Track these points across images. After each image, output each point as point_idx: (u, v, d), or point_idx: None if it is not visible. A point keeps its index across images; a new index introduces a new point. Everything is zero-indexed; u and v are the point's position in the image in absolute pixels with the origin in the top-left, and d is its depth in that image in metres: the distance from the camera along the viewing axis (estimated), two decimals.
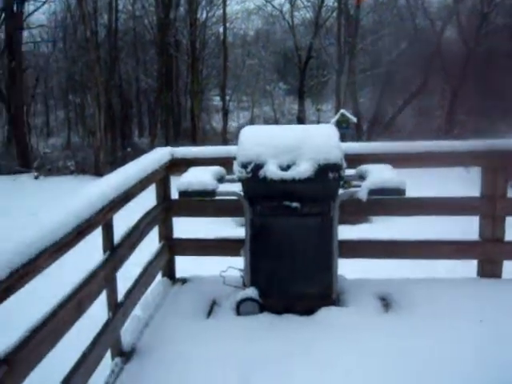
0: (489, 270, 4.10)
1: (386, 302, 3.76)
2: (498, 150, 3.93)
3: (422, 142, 4.01)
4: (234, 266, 3.87)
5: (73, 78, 24.55)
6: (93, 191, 2.83)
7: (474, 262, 4.17)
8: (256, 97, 26.68)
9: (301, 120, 22.45)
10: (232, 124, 24.93)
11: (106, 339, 2.94)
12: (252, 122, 25.28)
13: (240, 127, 24.28)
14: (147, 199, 4.01)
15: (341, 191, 3.52)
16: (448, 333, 3.27)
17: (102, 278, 2.86)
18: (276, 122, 25.04)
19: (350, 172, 3.64)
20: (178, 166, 4.09)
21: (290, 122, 24.61)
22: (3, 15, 20.36)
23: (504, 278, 4.11)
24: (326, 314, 3.50)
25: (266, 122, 25.41)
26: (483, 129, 18.09)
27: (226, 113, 22.57)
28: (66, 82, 25.89)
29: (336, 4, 21.58)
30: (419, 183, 6.16)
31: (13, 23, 19.48)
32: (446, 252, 4.15)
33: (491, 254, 4.11)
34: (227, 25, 23.04)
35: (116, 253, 3.08)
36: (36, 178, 16.68)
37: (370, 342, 3.17)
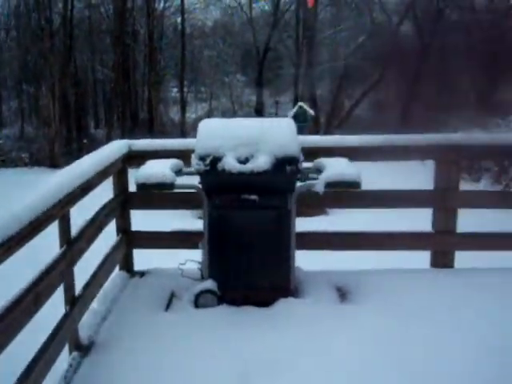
0: (441, 260, 4.23)
1: (342, 293, 3.83)
2: (451, 143, 4.04)
3: (378, 135, 4.09)
4: (193, 258, 3.87)
5: (26, 67, 23.99)
6: (49, 184, 2.79)
7: (428, 253, 4.29)
8: (214, 88, 26.59)
9: (259, 112, 22.49)
10: (190, 116, 24.81)
11: (64, 333, 2.92)
12: (210, 113, 25.18)
13: (198, 119, 24.20)
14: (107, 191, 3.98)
15: (299, 184, 3.57)
16: (399, 322, 3.35)
17: (58, 272, 2.83)
18: (234, 113, 25.02)
19: (307, 165, 3.70)
20: (135, 158, 4.07)
21: (248, 114, 24.60)
22: None
23: (456, 267, 4.23)
24: (283, 305, 3.54)
25: (224, 113, 25.35)
26: (438, 123, 18.51)
27: (183, 104, 22.45)
28: (19, 72, 25.27)
29: None
30: (378, 175, 6.29)
31: None
32: (400, 243, 4.24)
33: (444, 245, 4.24)
34: (185, 15, 22.89)
35: (73, 246, 3.05)
36: None
37: (326, 332, 3.23)
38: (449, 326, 3.32)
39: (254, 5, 24.07)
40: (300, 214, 3.75)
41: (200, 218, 8.75)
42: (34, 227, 2.43)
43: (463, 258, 4.24)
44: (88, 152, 3.72)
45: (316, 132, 18.04)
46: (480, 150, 4.19)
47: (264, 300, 3.56)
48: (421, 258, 4.32)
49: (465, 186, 11.53)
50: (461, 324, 3.33)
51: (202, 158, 3.42)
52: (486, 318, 3.39)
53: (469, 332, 3.22)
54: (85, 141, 19.54)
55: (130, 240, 4.27)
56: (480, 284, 3.87)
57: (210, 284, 3.59)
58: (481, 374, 2.85)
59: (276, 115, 22.74)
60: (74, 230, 3.15)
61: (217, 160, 3.39)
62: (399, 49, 21.68)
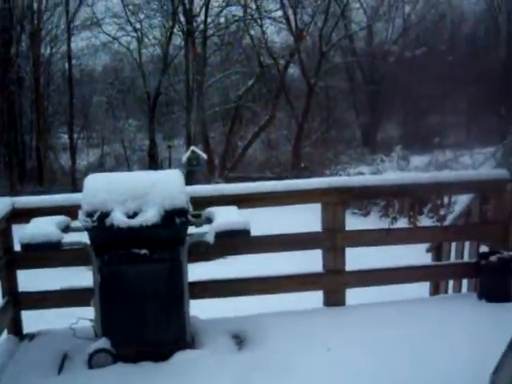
0: (333, 299, 4.37)
1: (239, 340, 3.84)
2: (333, 187, 4.23)
3: (266, 182, 4.25)
4: (86, 316, 3.76)
5: None
6: None
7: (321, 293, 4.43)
8: (106, 134, 26.19)
9: (152, 156, 22.39)
10: (81, 162, 24.24)
11: None
12: (102, 159, 24.78)
13: (90, 165, 23.76)
14: None
15: (194, 230, 3.60)
16: (298, 365, 3.42)
17: None
18: (127, 159, 24.75)
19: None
20: (20, 216, 3.91)
21: (141, 159, 24.47)
22: None
23: (348, 305, 4.39)
24: (180, 358, 3.51)
25: (117, 159, 25.03)
26: (328, 160, 19.28)
27: (73, 151, 21.93)
28: None
29: (183, 43, 21.95)
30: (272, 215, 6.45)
31: None
32: (293, 285, 4.35)
33: (334, 284, 4.39)
34: (73, 61, 22.57)
35: None
36: None
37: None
38: (344, 365, 3.42)
39: (143, 50, 24.14)
40: (196, 260, 3.79)
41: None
42: None
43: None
44: None
45: (210, 174, 18.19)
46: (361, 191, 4.41)
47: (160, 354, 3.51)
48: (316, 298, 4.46)
49: (356, 220, 12.03)
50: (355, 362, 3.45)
51: (90, 214, 3.37)
52: (379, 353, 3.53)
53: (365, 369, 3.34)
54: None
55: (18, 302, 4.07)
56: (371, 318, 4.05)
57: (103, 343, 3.49)
58: None
59: (169, 159, 22.77)
60: None
61: (104, 215, 3.35)
62: (288, 90, 22.52)
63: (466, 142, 19.78)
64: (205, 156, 12.93)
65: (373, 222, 13.05)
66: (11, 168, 20.38)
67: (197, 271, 4.05)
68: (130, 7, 22.59)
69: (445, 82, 22.51)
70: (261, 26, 22.09)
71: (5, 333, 4.00)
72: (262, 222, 5.31)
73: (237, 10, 22.55)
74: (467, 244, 4.97)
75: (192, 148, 12.53)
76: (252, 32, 22.62)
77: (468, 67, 21.98)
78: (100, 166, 24.20)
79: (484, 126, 21.65)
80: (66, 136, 24.22)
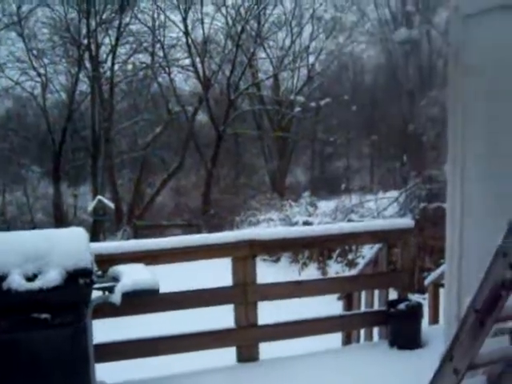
0: (246, 354, 4.27)
1: None
2: (243, 240, 4.17)
3: (174, 238, 4.14)
4: None
5: None
6: None
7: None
8: (7, 181, 25.06)
9: (57, 205, 21.62)
10: None
11: None
12: (3, 208, 23.62)
13: None
14: None
15: (94, 296, 3.40)
16: None
17: None
18: (30, 207, 23.75)
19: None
20: None
21: (45, 207, 23.59)
22: None
23: (261, 359, 4.30)
24: None
25: (20, 207, 23.97)
26: (237, 206, 19.36)
27: None
28: None
29: (89, 89, 21.64)
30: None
31: None
32: (204, 342, 4.21)
33: (247, 339, 4.30)
34: None
35: None
36: None
37: None
38: None
39: (48, 95, 23.51)
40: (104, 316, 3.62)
41: None
42: None
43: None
44: None
45: (119, 223, 17.77)
46: (271, 243, 4.39)
47: None
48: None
49: (266, 267, 12.05)
50: None
51: None
52: None
53: None
54: None
55: None
56: (284, 374, 3.98)
57: None
58: None
59: (75, 207, 22.10)
60: None
61: (1, 279, 3.11)
62: (196, 137, 22.66)
63: (371, 186, 20.53)
64: (112, 205, 12.62)
65: (283, 268, 13.15)
66: None
67: (106, 328, 3.84)
68: (34, 52, 22.10)
69: (349, 128, 23.42)
70: (169, 73, 22.23)
71: None
72: (175, 276, 5.19)
73: (144, 58, 22.61)
74: (377, 291, 5.04)
75: (99, 197, 12.20)
76: (160, 79, 22.69)
77: (370, 116, 23.00)
78: (1, 215, 23.08)
79: (387, 171, 22.61)
80: None
